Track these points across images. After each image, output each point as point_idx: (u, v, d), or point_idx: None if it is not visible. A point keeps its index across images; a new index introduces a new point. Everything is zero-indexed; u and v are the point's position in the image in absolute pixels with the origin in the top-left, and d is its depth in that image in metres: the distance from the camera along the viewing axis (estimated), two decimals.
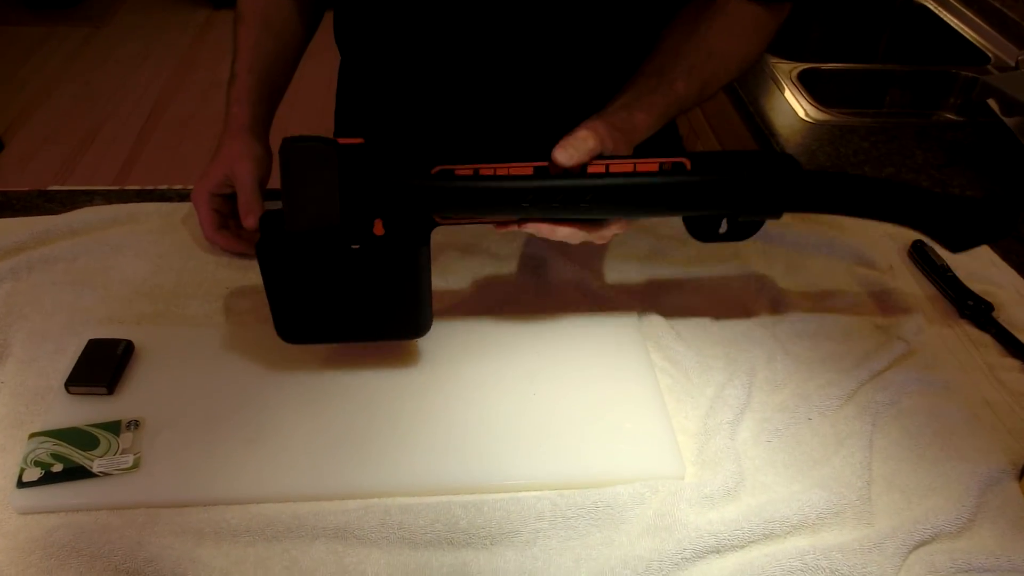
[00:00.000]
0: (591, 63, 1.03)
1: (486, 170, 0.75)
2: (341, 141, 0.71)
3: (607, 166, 0.75)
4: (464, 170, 0.75)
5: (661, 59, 0.89)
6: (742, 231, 0.84)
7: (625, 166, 0.75)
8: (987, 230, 0.87)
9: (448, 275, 0.99)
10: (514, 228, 0.78)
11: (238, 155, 0.95)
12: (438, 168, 0.75)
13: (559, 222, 0.77)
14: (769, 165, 0.79)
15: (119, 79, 4.02)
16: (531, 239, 1.05)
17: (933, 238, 0.87)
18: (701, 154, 0.79)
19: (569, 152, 0.73)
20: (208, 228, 0.98)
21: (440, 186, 0.74)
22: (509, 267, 1.01)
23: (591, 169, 0.75)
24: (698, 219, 0.86)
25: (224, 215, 1.00)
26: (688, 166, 0.77)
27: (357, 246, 0.74)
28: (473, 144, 1.12)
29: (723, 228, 0.85)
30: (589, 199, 0.74)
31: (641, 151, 0.81)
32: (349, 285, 0.77)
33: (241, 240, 1.00)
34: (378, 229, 0.76)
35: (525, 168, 0.75)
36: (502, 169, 0.75)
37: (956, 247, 0.87)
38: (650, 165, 0.76)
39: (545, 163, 0.75)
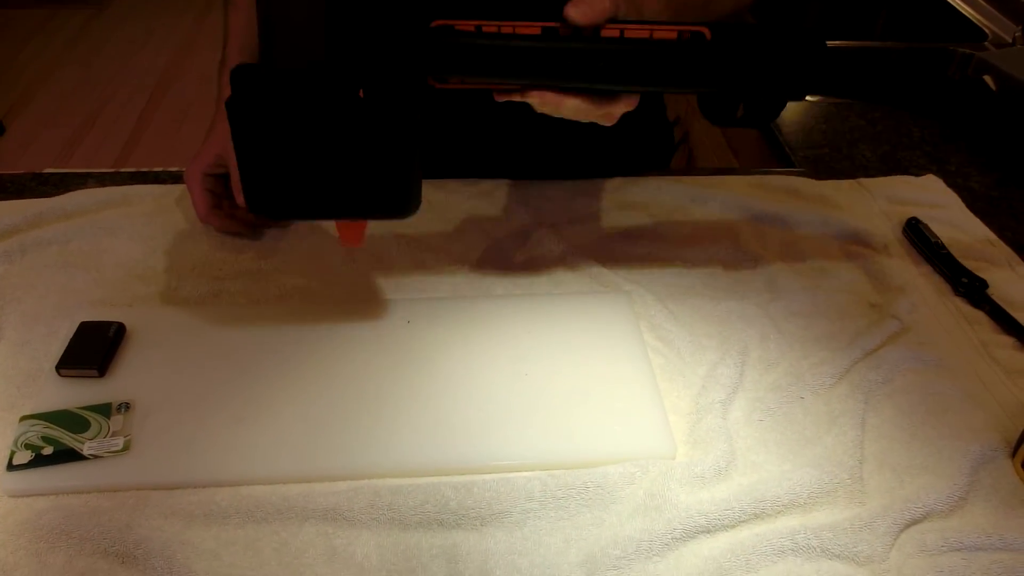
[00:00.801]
0: None
1: (489, 27, 0.69)
2: None
3: (622, 31, 0.70)
4: (465, 26, 0.69)
5: None
6: (760, 116, 0.79)
7: (642, 32, 0.70)
8: None
9: (437, 252, 0.99)
10: (516, 97, 0.73)
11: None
12: (436, 23, 0.69)
13: (566, 92, 0.72)
14: (793, 41, 0.73)
15: (120, 62, 4.01)
16: (519, 213, 1.05)
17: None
18: (722, 24, 0.73)
19: (583, 9, 0.68)
20: (201, 209, 0.98)
21: (439, 42, 0.68)
22: (500, 245, 1.01)
23: (604, 34, 0.70)
24: (714, 101, 0.81)
25: (218, 195, 1.00)
26: (708, 36, 0.71)
27: (340, 97, 0.66)
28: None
29: (740, 112, 0.80)
30: (602, 65, 0.69)
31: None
32: (330, 145, 0.67)
33: (235, 220, 0.99)
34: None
35: (533, 28, 0.69)
36: (507, 27, 0.69)
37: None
38: (668, 33, 0.71)
39: (555, 23, 0.69)
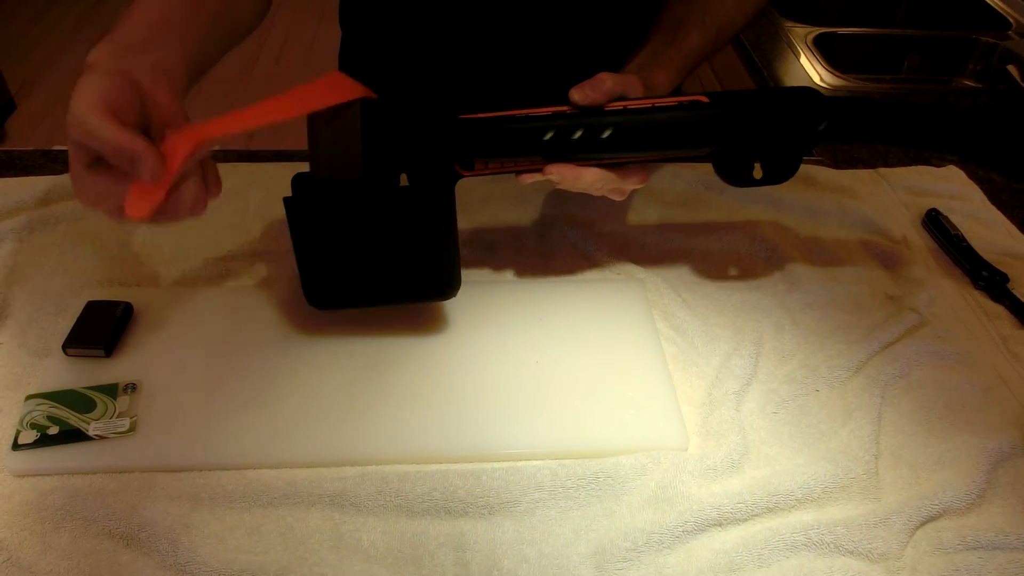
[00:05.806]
0: (602, 36, 1.01)
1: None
2: None
3: (625, 106, 0.75)
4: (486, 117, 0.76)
5: (675, 9, 0.88)
6: (777, 173, 0.82)
7: (644, 104, 0.76)
8: None
9: None
10: (537, 176, 0.77)
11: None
12: (462, 116, 0.75)
13: (583, 165, 0.76)
14: (788, 95, 0.79)
15: None
16: (533, 199, 1.03)
17: (991, 168, 0.85)
18: (719, 92, 0.78)
19: (585, 91, 0.73)
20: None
21: (462, 130, 0.75)
22: (513, 230, 1.00)
23: (608, 108, 0.75)
24: (730, 162, 0.83)
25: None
26: (706, 101, 0.77)
27: (382, 198, 0.75)
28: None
29: (759, 174, 0.83)
30: (610, 134, 0.74)
31: None
32: (376, 239, 0.76)
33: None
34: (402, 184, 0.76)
35: (544, 112, 0.76)
36: (522, 115, 0.76)
37: (1019, 175, 0.87)
38: (669, 102, 0.76)
39: (565, 107, 0.75)
